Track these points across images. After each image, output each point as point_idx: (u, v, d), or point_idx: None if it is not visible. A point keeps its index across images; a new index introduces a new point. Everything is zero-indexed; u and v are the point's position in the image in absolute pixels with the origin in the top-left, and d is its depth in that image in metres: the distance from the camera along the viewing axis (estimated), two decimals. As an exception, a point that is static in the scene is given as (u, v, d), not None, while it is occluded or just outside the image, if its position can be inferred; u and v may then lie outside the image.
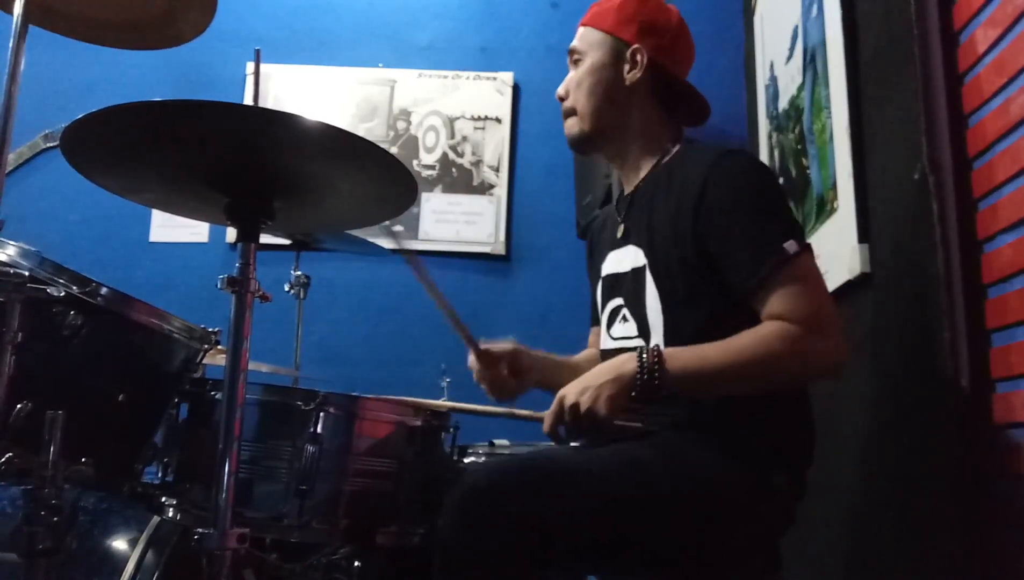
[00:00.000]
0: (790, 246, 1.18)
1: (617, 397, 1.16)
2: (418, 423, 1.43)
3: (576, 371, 1.48)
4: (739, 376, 1.17)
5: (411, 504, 1.41)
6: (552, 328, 2.93)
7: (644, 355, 1.17)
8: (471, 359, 1.47)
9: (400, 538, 1.40)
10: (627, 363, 1.18)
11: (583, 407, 1.15)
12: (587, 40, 1.43)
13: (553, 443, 1.24)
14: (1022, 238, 1.11)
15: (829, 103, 1.84)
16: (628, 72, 1.40)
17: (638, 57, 1.39)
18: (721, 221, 1.22)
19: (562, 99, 1.45)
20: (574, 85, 1.43)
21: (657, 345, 1.20)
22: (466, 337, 1.43)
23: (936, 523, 1.28)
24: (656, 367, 1.15)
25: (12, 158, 3.10)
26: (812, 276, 1.21)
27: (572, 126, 1.44)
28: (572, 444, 1.27)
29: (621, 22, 1.41)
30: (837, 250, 1.74)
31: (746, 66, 2.87)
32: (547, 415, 1.20)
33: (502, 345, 1.49)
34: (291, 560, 1.55)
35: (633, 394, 1.17)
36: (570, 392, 1.18)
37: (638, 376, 1.16)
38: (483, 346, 1.46)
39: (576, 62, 1.44)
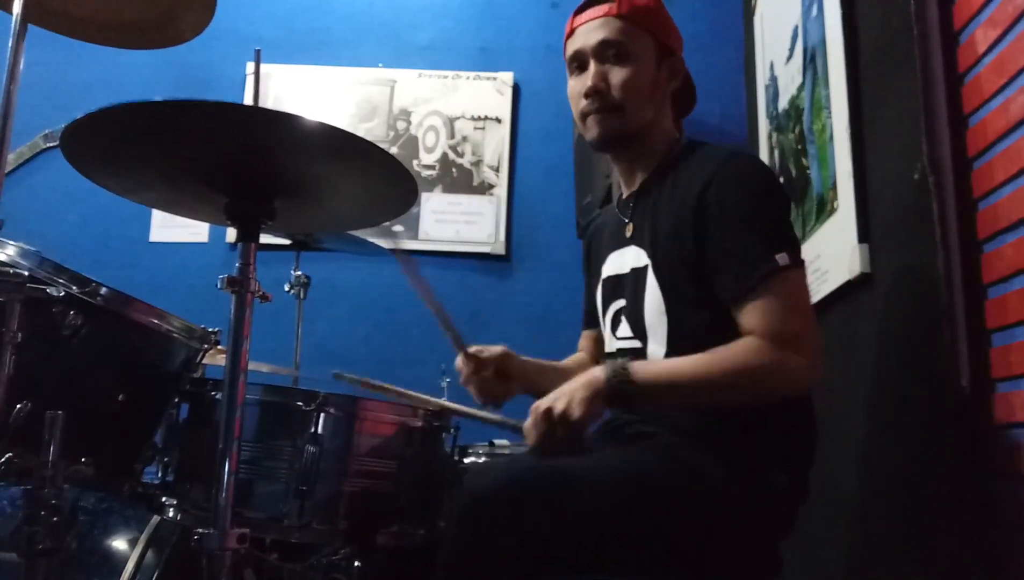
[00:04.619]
0: (781, 258, 1.17)
1: (591, 400, 1.16)
2: (419, 424, 1.43)
3: (564, 375, 1.45)
4: (710, 388, 1.18)
5: (411, 505, 1.41)
6: (552, 328, 2.91)
7: (616, 364, 1.19)
8: (459, 361, 1.43)
9: (400, 539, 1.40)
10: (598, 370, 1.19)
11: (556, 411, 1.15)
12: (636, 39, 1.34)
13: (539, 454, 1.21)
14: (1022, 238, 1.11)
15: (829, 103, 1.84)
16: (669, 80, 1.39)
17: (677, 67, 1.41)
18: (717, 225, 1.22)
19: (599, 92, 1.33)
20: (623, 82, 1.32)
21: (625, 360, 1.21)
22: (454, 338, 1.40)
23: (936, 523, 1.28)
24: (625, 372, 1.17)
25: (12, 158, 3.10)
26: (796, 292, 1.20)
27: (613, 122, 1.34)
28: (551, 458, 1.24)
29: (662, 27, 1.38)
30: (837, 250, 1.74)
31: (746, 66, 2.87)
32: (526, 426, 1.19)
33: (492, 349, 1.45)
34: (291, 560, 1.55)
35: (610, 399, 1.18)
36: (543, 401, 1.17)
37: (610, 379, 1.17)
38: (472, 349, 1.43)
39: (619, 57, 1.33)
